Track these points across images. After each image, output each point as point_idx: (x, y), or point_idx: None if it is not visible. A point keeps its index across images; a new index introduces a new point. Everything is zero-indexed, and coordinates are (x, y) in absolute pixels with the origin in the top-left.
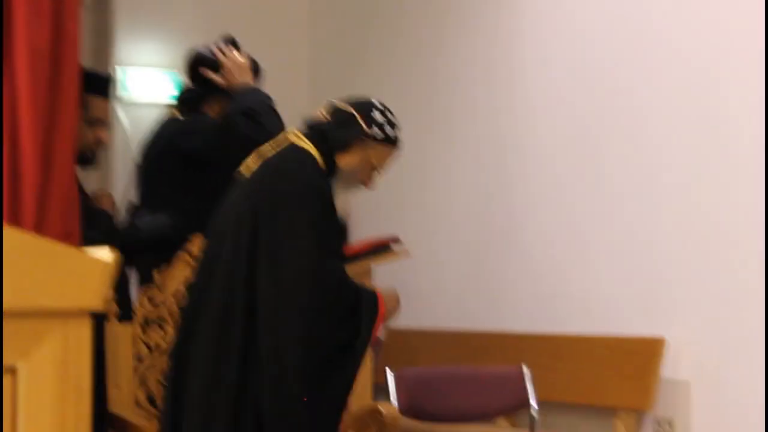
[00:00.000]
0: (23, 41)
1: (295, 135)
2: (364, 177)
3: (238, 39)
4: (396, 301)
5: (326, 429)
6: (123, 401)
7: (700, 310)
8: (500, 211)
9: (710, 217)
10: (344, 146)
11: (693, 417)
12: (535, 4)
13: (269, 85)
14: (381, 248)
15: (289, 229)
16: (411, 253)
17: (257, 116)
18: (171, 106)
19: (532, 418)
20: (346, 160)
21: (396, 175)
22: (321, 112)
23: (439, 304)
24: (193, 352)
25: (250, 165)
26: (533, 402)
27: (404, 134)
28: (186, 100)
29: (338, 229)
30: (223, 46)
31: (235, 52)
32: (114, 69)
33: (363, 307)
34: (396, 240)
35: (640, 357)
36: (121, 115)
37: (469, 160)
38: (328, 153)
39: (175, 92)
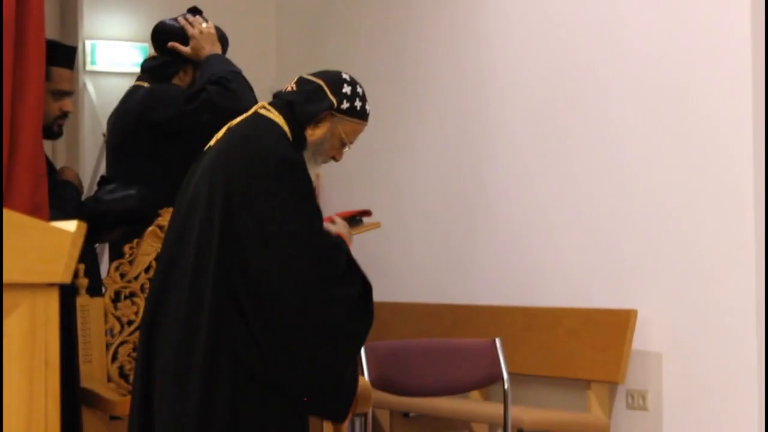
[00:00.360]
0: None
1: (262, 107)
2: (333, 150)
3: (205, 12)
4: (349, 232)
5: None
6: (95, 376)
7: (670, 281)
8: (469, 185)
9: (679, 189)
10: (313, 119)
11: (665, 388)
12: None
13: (237, 60)
14: (352, 221)
15: (272, 204)
16: (382, 226)
17: (227, 83)
18: (137, 75)
19: (504, 391)
20: (314, 133)
21: (365, 149)
22: (291, 86)
23: (410, 277)
24: (163, 324)
25: (218, 137)
26: (506, 375)
27: (372, 108)
28: (151, 69)
29: (315, 200)
30: (189, 16)
31: (201, 22)
32: (82, 42)
33: (353, 262)
34: (367, 212)
35: (611, 329)
36: (90, 87)
37: (437, 134)
38: (296, 125)
39: (140, 60)
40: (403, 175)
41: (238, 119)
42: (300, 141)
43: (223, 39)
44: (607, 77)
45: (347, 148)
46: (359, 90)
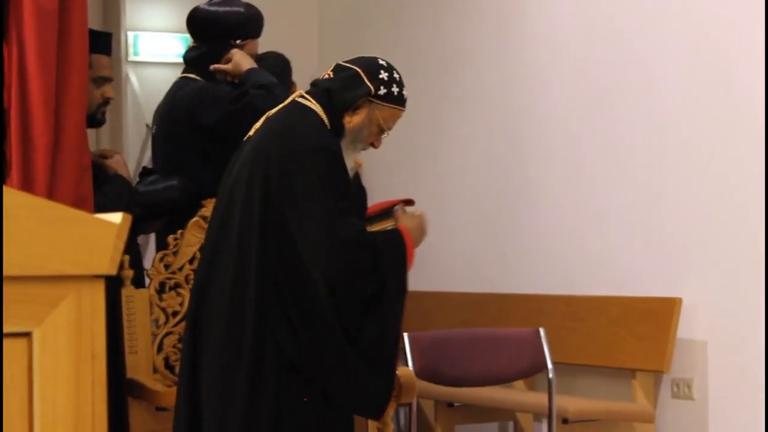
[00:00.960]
0: (30, 1)
1: (300, 95)
2: (371, 137)
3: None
4: (420, 227)
5: (379, 382)
6: (141, 367)
7: (716, 268)
8: (514, 173)
9: (726, 176)
10: (350, 106)
11: (711, 377)
12: None
13: (278, 48)
14: (393, 210)
15: (302, 189)
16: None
17: (272, 88)
18: (183, 68)
19: (549, 380)
20: (352, 120)
21: (407, 137)
22: (328, 73)
23: (453, 266)
24: (208, 315)
25: (257, 127)
26: (550, 364)
27: (415, 96)
28: (194, 60)
29: (350, 187)
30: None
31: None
32: (125, 33)
33: (384, 258)
34: (409, 202)
35: (656, 317)
36: (132, 78)
37: (481, 121)
38: (334, 112)
39: (182, 51)
40: (446, 163)
41: (276, 109)
42: (338, 128)
43: (256, 18)
44: (653, 63)
45: (386, 135)
46: (396, 75)
